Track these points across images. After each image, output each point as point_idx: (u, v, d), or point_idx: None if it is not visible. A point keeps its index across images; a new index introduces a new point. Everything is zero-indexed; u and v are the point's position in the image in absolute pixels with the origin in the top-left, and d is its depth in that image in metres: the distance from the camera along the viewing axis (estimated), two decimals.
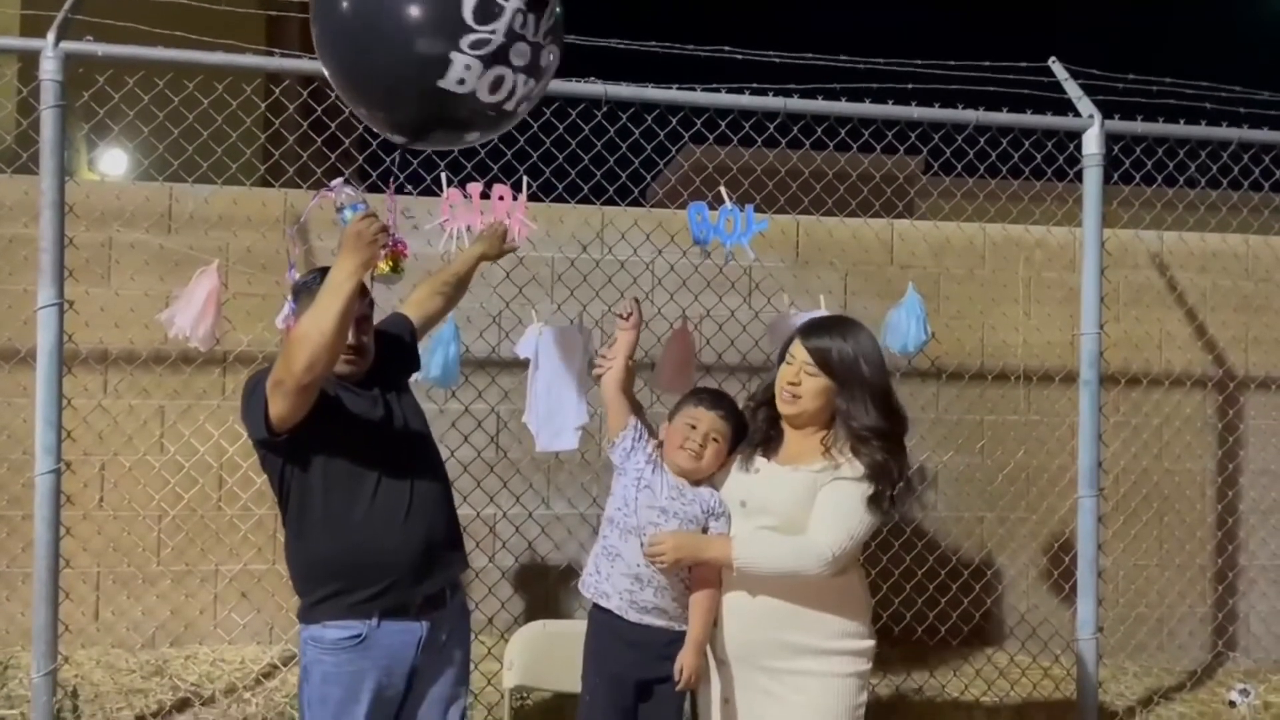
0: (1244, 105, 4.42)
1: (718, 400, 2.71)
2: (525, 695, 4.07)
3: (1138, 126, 4.24)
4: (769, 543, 2.51)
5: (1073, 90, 4.19)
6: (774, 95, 3.96)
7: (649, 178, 4.77)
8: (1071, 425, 4.53)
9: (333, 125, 4.11)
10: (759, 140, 4.29)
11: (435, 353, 3.76)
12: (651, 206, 5.56)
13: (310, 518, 2.52)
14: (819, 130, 4.23)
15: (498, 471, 4.77)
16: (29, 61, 3.49)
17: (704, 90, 3.93)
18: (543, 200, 4.42)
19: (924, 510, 5.31)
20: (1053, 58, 4.25)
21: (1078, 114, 4.14)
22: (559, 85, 3.81)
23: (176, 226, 4.74)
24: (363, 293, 2.52)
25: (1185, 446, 5.48)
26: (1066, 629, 4.84)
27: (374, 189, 3.31)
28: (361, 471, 2.51)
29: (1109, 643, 5.05)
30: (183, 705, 4.14)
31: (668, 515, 2.61)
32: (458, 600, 2.70)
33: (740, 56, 4.25)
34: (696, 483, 2.68)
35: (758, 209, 3.92)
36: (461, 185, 3.75)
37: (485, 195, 3.77)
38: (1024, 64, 4.25)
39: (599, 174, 4.41)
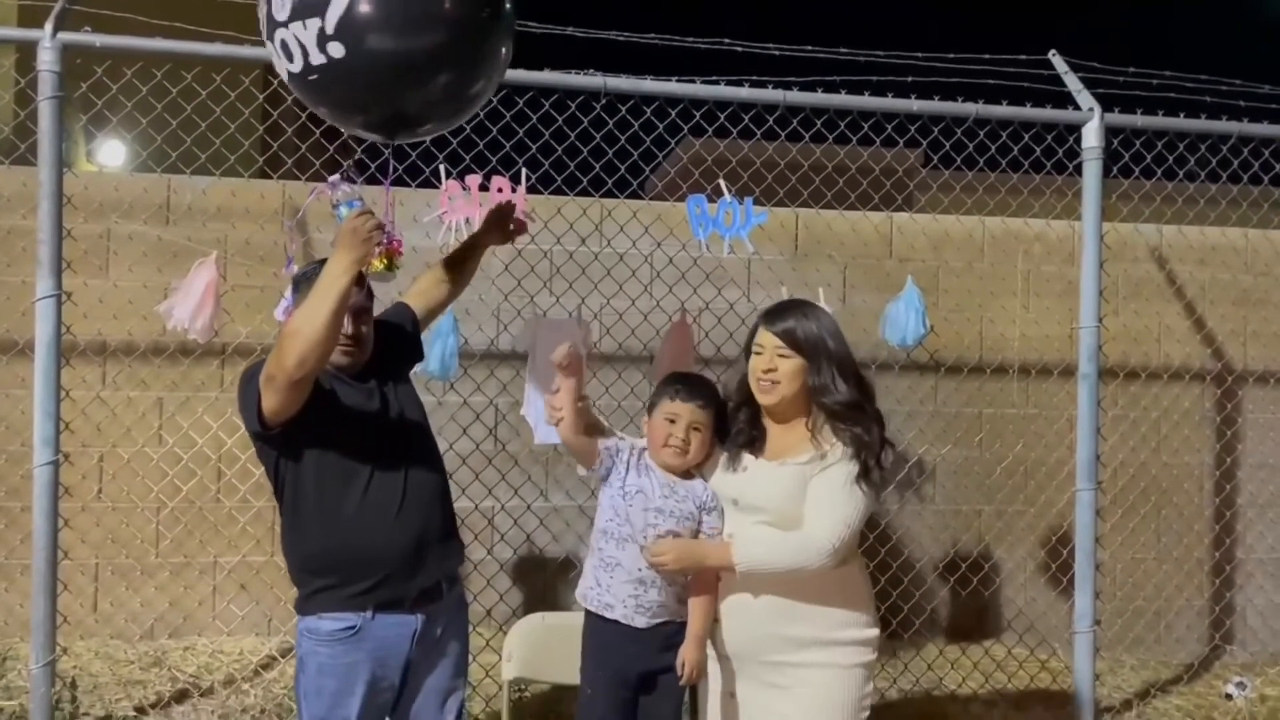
0: (1244, 99, 4.42)
1: (692, 390, 2.65)
2: (524, 687, 4.08)
3: (1137, 120, 4.23)
4: (769, 543, 2.50)
5: (1072, 83, 4.18)
6: (773, 88, 3.95)
7: (648, 170, 4.77)
8: (1070, 418, 4.53)
9: None
10: (758, 133, 4.28)
11: (434, 345, 3.76)
12: (650, 199, 5.55)
13: (304, 510, 2.53)
14: (818, 123, 4.22)
15: (496, 464, 4.77)
16: (27, 52, 3.48)
17: (703, 83, 3.92)
18: (541, 193, 4.42)
19: (922, 503, 5.31)
20: (1053, 51, 4.24)
21: (1077, 107, 4.13)
22: (558, 77, 3.81)
23: (175, 218, 4.74)
24: (360, 282, 2.51)
25: (1183, 440, 5.49)
26: (1064, 622, 4.85)
27: (372, 181, 3.29)
28: (355, 465, 2.50)
29: (1106, 636, 5.06)
30: (181, 696, 4.14)
31: (663, 514, 2.59)
32: (454, 593, 2.69)
33: (739, 49, 4.24)
34: (687, 475, 2.66)
35: (757, 202, 3.92)
36: (460, 178, 3.76)
37: (484, 187, 3.77)
38: (1024, 57, 4.25)
39: (598, 166, 4.40)
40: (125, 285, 4.64)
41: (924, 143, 4.47)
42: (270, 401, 2.38)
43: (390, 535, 2.50)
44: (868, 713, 2.59)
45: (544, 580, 4.95)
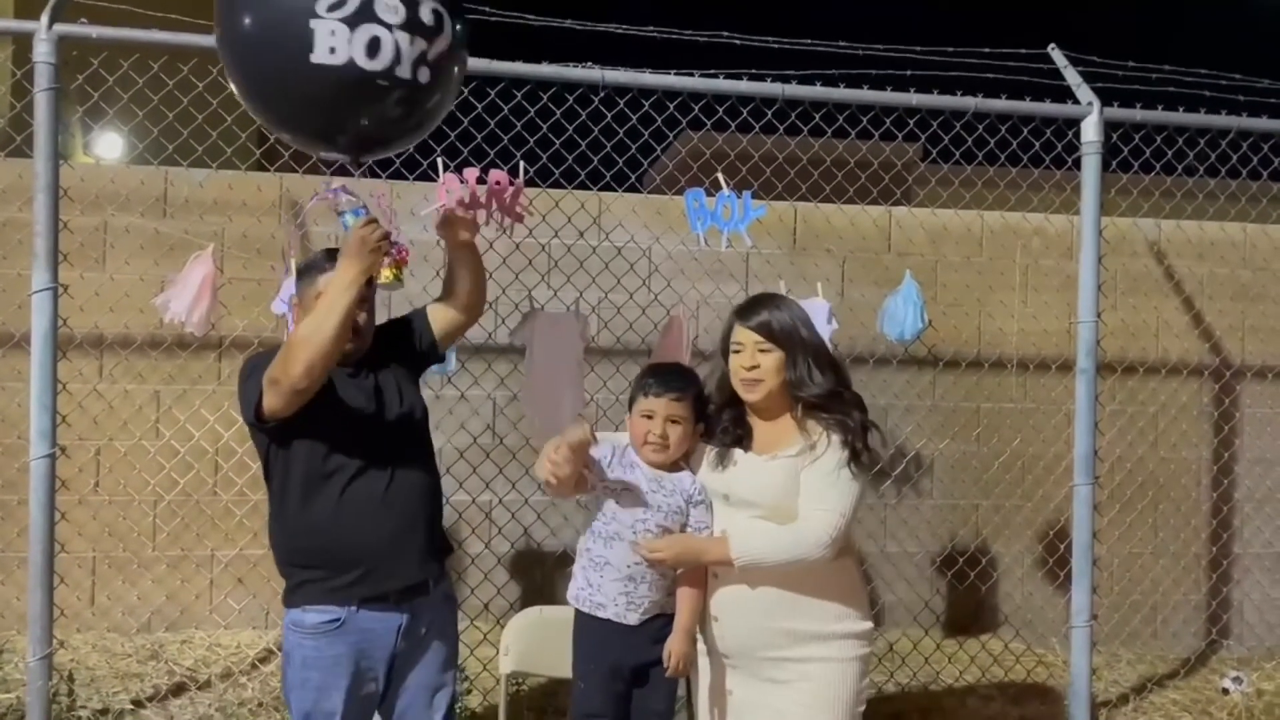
0: (1243, 93, 4.41)
1: (665, 383, 2.61)
2: (521, 681, 4.08)
3: (1136, 114, 4.23)
4: (767, 537, 2.49)
5: (1071, 77, 4.17)
6: (772, 81, 3.94)
7: (646, 163, 4.75)
8: (1067, 413, 4.53)
9: None
10: (756, 126, 4.27)
11: None
12: (649, 192, 5.55)
13: (289, 501, 2.53)
14: (817, 116, 4.21)
15: (493, 457, 4.77)
16: (23, 44, 3.47)
17: (701, 76, 3.91)
18: (540, 186, 4.42)
19: (920, 497, 5.32)
20: (1052, 44, 4.24)
21: (1076, 101, 4.12)
22: (556, 70, 3.80)
23: (171, 211, 4.73)
24: (367, 283, 2.49)
25: (1181, 435, 5.49)
26: (1060, 616, 4.86)
27: (369, 174, 3.28)
28: (341, 458, 2.50)
29: (1103, 630, 5.07)
30: (179, 689, 4.14)
31: (650, 510, 2.57)
32: (441, 589, 2.67)
33: (738, 42, 4.23)
34: (675, 467, 2.64)
35: (755, 196, 3.90)
36: (458, 170, 3.74)
37: (482, 180, 3.75)
38: (1023, 50, 4.24)
39: (596, 159, 4.39)
40: (122, 278, 4.63)
41: (923, 137, 4.46)
42: (271, 402, 2.39)
43: (369, 531, 2.49)
44: (864, 706, 2.59)
45: (541, 574, 4.95)
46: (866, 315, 4.60)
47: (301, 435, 2.47)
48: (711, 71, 3.92)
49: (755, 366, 2.54)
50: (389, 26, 2.25)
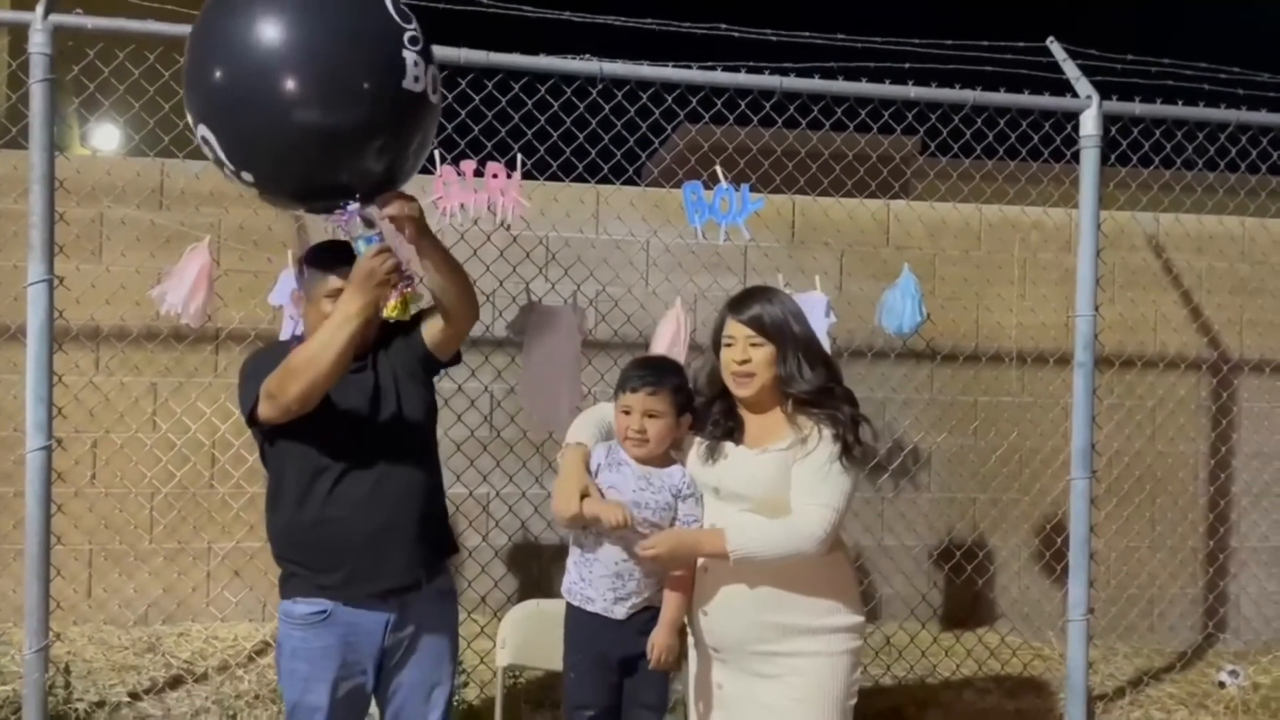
0: (1242, 86, 4.40)
1: (640, 378, 2.60)
2: (518, 674, 4.08)
3: (1135, 107, 4.21)
4: (761, 530, 2.48)
5: (1071, 70, 4.16)
6: (770, 74, 3.92)
7: (644, 156, 4.75)
8: (1065, 407, 4.53)
9: None
10: (755, 119, 4.26)
11: None
12: (647, 185, 5.53)
13: (281, 496, 2.54)
14: (815, 109, 4.20)
15: (491, 450, 4.76)
16: (18, 35, 3.46)
17: (700, 68, 3.89)
18: (537, 178, 4.40)
19: (917, 491, 5.32)
20: (1051, 37, 4.22)
21: (1075, 94, 4.11)
22: (554, 62, 3.79)
23: (168, 202, 4.71)
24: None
25: (1178, 429, 5.49)
26: (1057, 610, 4.86)
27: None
28: (333, 453, 2.49)
29: (1100, 624, 5.07)
30: (176, 682, 4.14)
31: (639, 507, 2.55)
32: (435, 586, 2.64)
33: (737, 34, 4.21)
34: (667, 461, 2.64)
35: (753, 188, 3.90)
36: (455, 163, 3.74)
37: (479, 173, 3.75)
38: (1022, 44, 4.22)
39: (594, 152, 4.37)
40: (118, 270, 4.62)
41: (921, 129, 4.45)
42: (266, 411, 2.41)
43: (355, 524, 2.48)
44: (855, 699, 2.58)
45: (539, 567, 4.95)
46: (865, 308, 4.60)
47: (295, 435, 2.47)
48: (710, 64, 3.91)
49: (747, 360, 2.53)
50: (431, 60, 2.34)
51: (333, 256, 2.53)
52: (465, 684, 4.09)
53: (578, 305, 4.33)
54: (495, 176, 3.75)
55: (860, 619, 2.61)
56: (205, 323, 3.88)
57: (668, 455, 2.66)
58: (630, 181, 4.89)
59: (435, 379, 2.73)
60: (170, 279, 3.77)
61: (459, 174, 3.71)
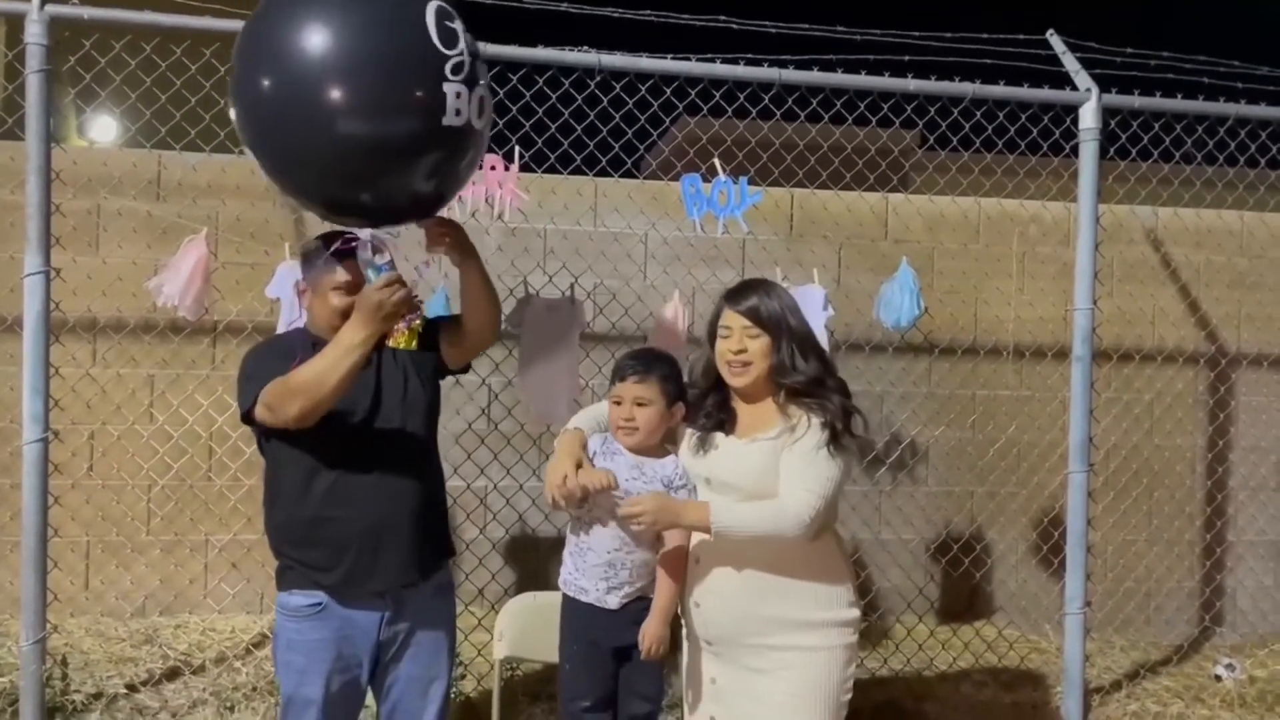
0: (1242, 80, 4.39)
1: (630, 367, 2.63)
2: (515, 666, 4.09)
3: (1135, 101, 4.21)
4: (746, 508, 2.49)
5: (1070, 64, 4.15)
6: (769, 66, 3.91)
7: (643, 149, 4.73)
8: (1063, 400, 4.53)
9: None
10: (754, 112, 4.25)
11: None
12: (645, 178, 5.53)
13: (280, 489, 2.55)
14: (814, 102, 4.19)
15: (488, 443, 4.76)
16: (14, 25, 3.45)
17: (699, 61, 3.88)
18: (535, 171, 4.39)
19: (915, 484, 5.32)
20: (1050, 30, 4.22)
21: (1075, 88, 4.10)
22: (552, 54, 3.77)
23: (165, 194, 4.70)
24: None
25: (1176, 422, 5.49)
26: (1055, 603, 4.87)
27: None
28: (330, 449, 2.49)
29: (1097, 617, 5.08)
30: (173, 674, 4.14)
31: (632, 496, 2.56)
32: (433, 581, 2.64)
33: (735, 26, 4.20)
34: (661, 451, 2.65)
35: (752, 181, 3.90)
36: None
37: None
38: (1021, 36, 4.22)
39: (592, 145, 4.35)
40: (114, 262, 4.61)
41: (920, 123, 4.44)
42: (264, 417, 2.42)
43: (351, 527, 2.49)
44: (850, 694, 2.58)
45: (536, 559, 4.95)
46: (863, 302, 4.60)
47: (294, 432, 2.46)
48: (708, 56, 3.90)
49: (743, 351, 2.55)
50: (478, 85, 2.37)
51: (342, 247, 2.51)
52: (463, 676, 4.10)
53: (576, 298, 4.31)
54: (493, 169, 3.74)
55: (855, 614, 2.60)
56: (202, 315, 3.87)
57: (662, 447, 2.67)
58: (628, 174, 4.87)
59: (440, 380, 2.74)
60: (167, 271, 3.76)
61: None
